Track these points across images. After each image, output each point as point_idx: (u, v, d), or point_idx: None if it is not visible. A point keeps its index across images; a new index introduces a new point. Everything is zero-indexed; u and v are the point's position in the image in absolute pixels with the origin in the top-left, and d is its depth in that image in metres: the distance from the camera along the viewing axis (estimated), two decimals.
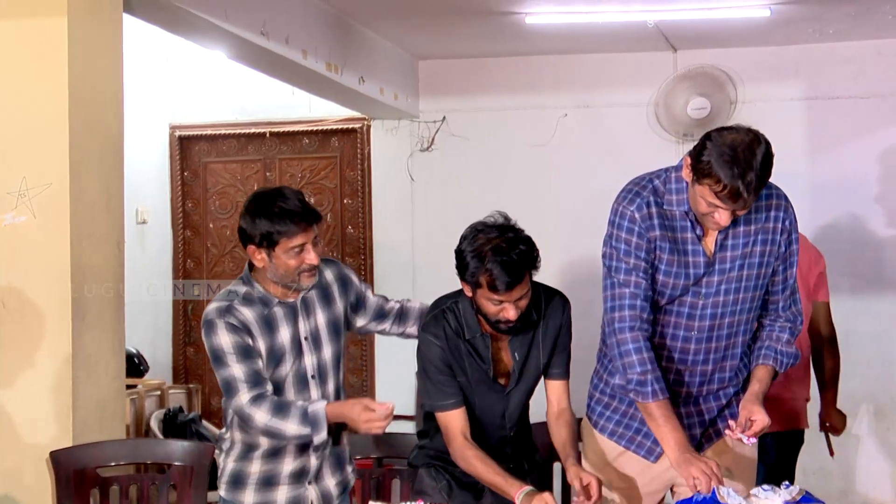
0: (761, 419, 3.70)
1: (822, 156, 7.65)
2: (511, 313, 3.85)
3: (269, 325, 4.01)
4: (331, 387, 4.12)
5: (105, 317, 4.88)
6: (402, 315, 4.36)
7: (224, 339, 3.95)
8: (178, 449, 4.57)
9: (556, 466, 4.54)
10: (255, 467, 4.08)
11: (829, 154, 7.68)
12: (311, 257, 3.96)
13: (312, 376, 4.07)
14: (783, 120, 7.63)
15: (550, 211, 7.84)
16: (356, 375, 8.50)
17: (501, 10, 6.79)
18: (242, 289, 4.05)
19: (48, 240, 4.66)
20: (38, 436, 4.65)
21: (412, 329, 4.36)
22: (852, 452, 7.63)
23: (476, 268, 3.81)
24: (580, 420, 4.17)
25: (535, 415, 4.22)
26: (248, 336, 3.96)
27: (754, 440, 3.75)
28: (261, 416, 3.90)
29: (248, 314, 3.99)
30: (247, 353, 3.95)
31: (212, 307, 4.03)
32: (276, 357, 3.99)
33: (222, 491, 4.14)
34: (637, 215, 3.73)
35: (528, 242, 3.88)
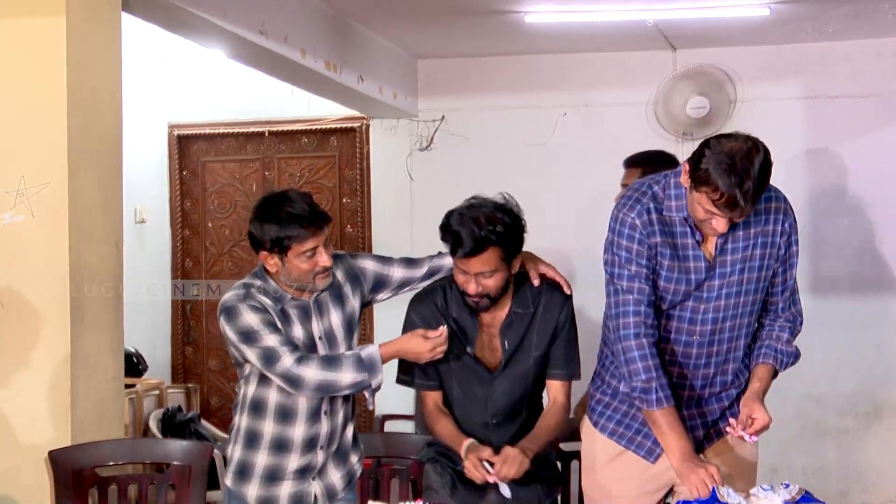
0: (762, 417, 3.70)
1: (820, 155, 7.65)
2: (471, 287, 3.91)
3: (284, 316, 4.02)
4: None
5: (104, 316, 4.87)
6: (431, 274, 4.32)
7: (251, 318, 3.95)
8: (176, 448, 4.57)
9: (573, 466, 4.56)
10: (261, 460, 4.09)
11: (827, 153, 7.67)
12: (324, 259, 3.97)
13: None
14: (782, 119, 7.63)
15: (549, 210, 7.83)
16: None
17: (501, 9, 6.78)
18: (257, 282, 4.06)
19: (47, 239, 4.65)
20: (36, 436, 4.65)
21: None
22: (852, 452, 7.63)
23: (446, 226, 3.91)
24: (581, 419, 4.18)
25: None
26: (271, 317, 3.97)
27: (756, 438, 3.75)
28: (311, 372, 3.90)
29: (265, 301, 4.00)
30: (276, 327, 3.96)
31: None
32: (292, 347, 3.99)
33: (229, 481, 4.16)
34: (638, 222, 3.73)
35: (511, 226, 3.91)
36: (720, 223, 3.58)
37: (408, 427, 7.20)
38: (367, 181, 8.45)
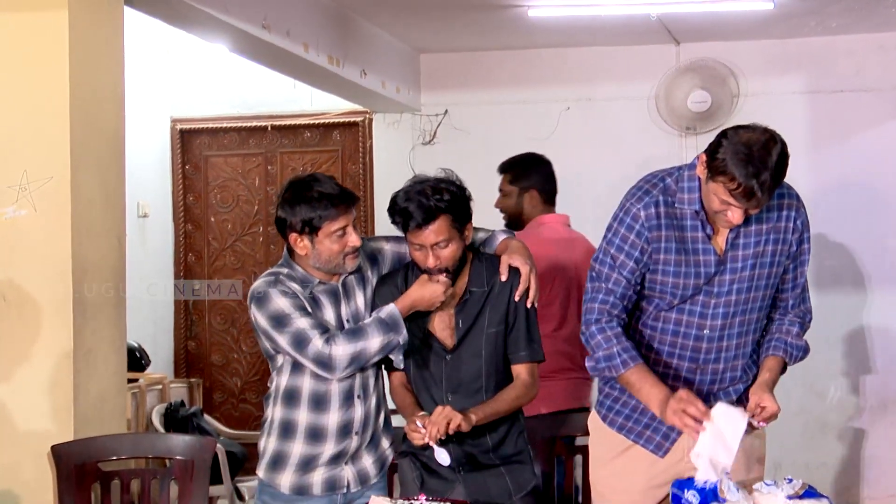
0: (771, 406, 3.70)
1: (824, 149, 7.64)
2: (430, 260, 3.96)
3: (314, 301, 4.06)
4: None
5: (106, 311, 4.87)
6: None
7: (282, 302, 3.98)
8: (179, 443, 4.57)
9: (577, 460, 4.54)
10: (297, 449, 4.11)
11: (831, 148, 7.66)
12: (354, 239, 4.03)
13: None
14: (785, 113, 7.60)
15: None
16: None
17: (504, 4, 6.78)
18: (284, 270, 4.10)
19: (49, 234, 4.66)
20: (38, 430, 4.65)
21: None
22: (855, 448, 7.63)
23: (393, 205, 3.98)
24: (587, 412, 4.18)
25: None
26: (301, 301, 4.01)
27: (764, 424, 3.74)
28: (341, 349, 3.93)
29: (295, 287, 4.04)
30: (306, 311, 4.00)
31: (259, 284, 4.07)
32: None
33: (261, 472, 4.16)
34: (642, 214, 3.74)
35: (456, 194, 3.99)
36: (735, 214, 3.57)
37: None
38: (369, 175, 8.45)
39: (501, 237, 4.26)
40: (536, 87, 8.08)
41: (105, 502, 4.43)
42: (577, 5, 6.74)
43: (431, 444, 3.89)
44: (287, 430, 4.12)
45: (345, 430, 4.11)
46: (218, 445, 6.51)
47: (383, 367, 4.20)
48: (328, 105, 8.36)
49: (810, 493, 3.52)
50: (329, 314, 4.07)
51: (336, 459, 4.13)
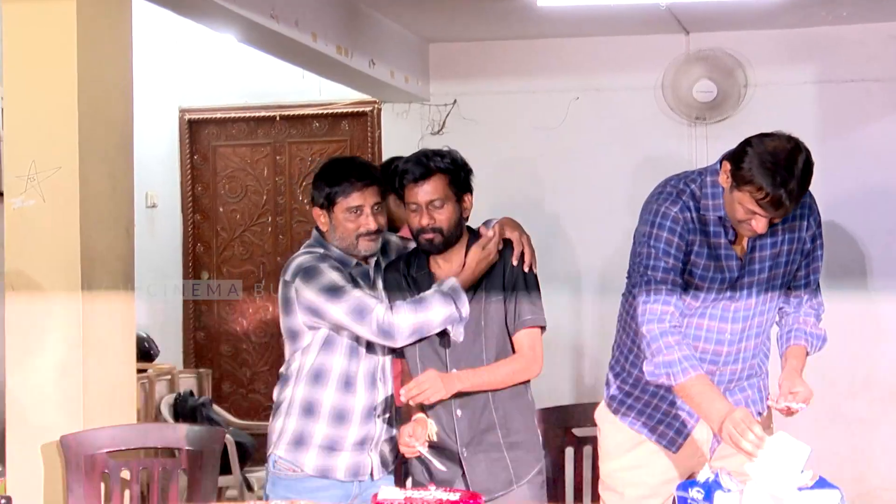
0: (805, 389, 3.69)
1: (834, 140, 7.60)
2: (424, 219, 4.01)
3: (353, 282, 4.07)
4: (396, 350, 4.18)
5: (114, 301, 4.87)
6: None
7: (334, 275, 4.02)
8: (188, 433, 4.57)
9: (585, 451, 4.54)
10: (320, 429, 4.11)
11: (841, 138, 7.63)
12: (368, 222, 4.07)
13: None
14: (795, 104, 7.59)
15: (561, 195, 7.82)
16: None
17: None
18: (320, 249, 4.14)
19: (57, 223, 4.65)
20: (47, 421, 4.65)
21: None
22: (866, 437, 7.61)
23: (394, 167, 4.12)
24: (595, 406, 4.16)
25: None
26: (348, 276, 4.06)
27: (804, 405, 3.70)
28: (404, 318, 3.95)
29: (337, 264, 4.09)
30: (357, 283, 4.05)
31: (305, 258, 4.10)
32: None
33: (280, 450, 4.15)
34: (680, 216, 3.70)
35: (457, 161, 4.10)
36: (760, 223, 3.56)
37: None
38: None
39: (495, 220, 4.29)
40: (545, 77, 8.06)
41: (114, 493, 4.44)
42: None
43: (424, 454, 3.92)
44: (310, 410, 4.12)
45: (369, 414, 4.13)
46: (227, 436, 6.52)
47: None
48: (337, 95, 8.35)
49: (822, 483, 3.51)
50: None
51: (361, 445, 4.14)
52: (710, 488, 3.45)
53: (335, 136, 8.61)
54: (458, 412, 4.08)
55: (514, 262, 4.07)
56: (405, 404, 4.05)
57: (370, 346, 4.12)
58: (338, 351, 4.08)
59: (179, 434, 4.62)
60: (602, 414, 4.11)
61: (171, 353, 8.52)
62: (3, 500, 4.10)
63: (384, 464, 4.22)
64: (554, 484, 4.46)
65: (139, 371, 6.44)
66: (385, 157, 8.33)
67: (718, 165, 3.67)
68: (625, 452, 4.00)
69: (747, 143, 3.55)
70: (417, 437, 3.91)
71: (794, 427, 7.05)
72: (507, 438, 4.10)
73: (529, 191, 7.91)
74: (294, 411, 4.14)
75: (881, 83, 7.59)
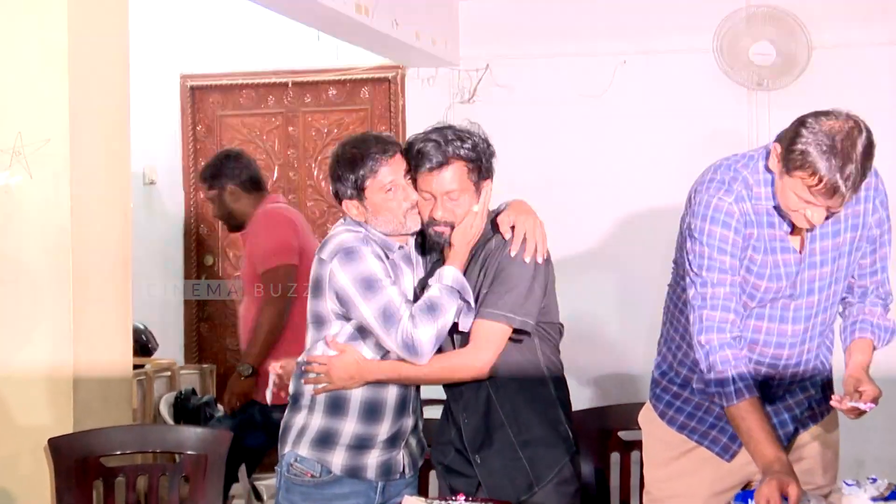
0: (872, 388, 3.64)
1: None
2: (437, 211, 4.04)
3: (395, 269, 4.12)
4: None
5: (109, 289, 4.89)
6: None
7: (374, 265, 4.04)
8: (190, 436, 4.60)
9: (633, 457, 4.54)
10: (349, 427, 4.13)
11: None
12: (409, 193, 4.08)
13: None
14: (867, 68, 7.54)
15: (605, 169, 7.81)
16: None
17: None
18: (362, 231, 4.14)
19: (46, 202, 4.67)
20: (35, 421, 4.68)
21: None
22: None
23: (410, 146, 4.08)
24: (641, 406, 4.17)
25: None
26: (388, 269, 4.08)
27: (872, 405, 3.68)
28: (426, 331, 3.96)
29: (379, 252, 4.11)
30: (393, 280, 4.07)
31: (348, 236, 4.11)
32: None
33: (304, 449, 4.16)
34: (736, 208, 3.64)
35: (479, 145, 4.07)
36: (816, 214, 3.50)
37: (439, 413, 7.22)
38: (402, 137, 8.42)
39: (506, 203, 4.30)
40: (589, 39, 8.03)
41: (108, 501, 4.46)
42: None
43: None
44: (337, 406, 4.13)
45: (402, 406, 4.17)
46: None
47: None
48: (355, 59, 8.35)
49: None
50: (407, 282, 4.17)
51: (393, 442, 4.18)
52: None
53: (354, 104, 8.62)
54: (465, 417, 4.14)
55: (513, 254, 4.07)
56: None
57: None
58: (367, 340, 4.09)
59: (181, 437, 4.65)
60: (647, 416, 4.11)
61: (170, 347, 8.55)
62: None
63: (413, 463, 4.27)
64: (596, 493, 4.47)
65: (136, 367, 6.48)
66: (410, 128, 8.35)
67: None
68: (672, 460, 4.00)
69: (800, 122, 3.48)
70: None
71: (866, 432, 7.04)
72: (519, 437, 4.11)
73: (569, 165, 7.90)
74: (318, 407, 4.15)
75: None
